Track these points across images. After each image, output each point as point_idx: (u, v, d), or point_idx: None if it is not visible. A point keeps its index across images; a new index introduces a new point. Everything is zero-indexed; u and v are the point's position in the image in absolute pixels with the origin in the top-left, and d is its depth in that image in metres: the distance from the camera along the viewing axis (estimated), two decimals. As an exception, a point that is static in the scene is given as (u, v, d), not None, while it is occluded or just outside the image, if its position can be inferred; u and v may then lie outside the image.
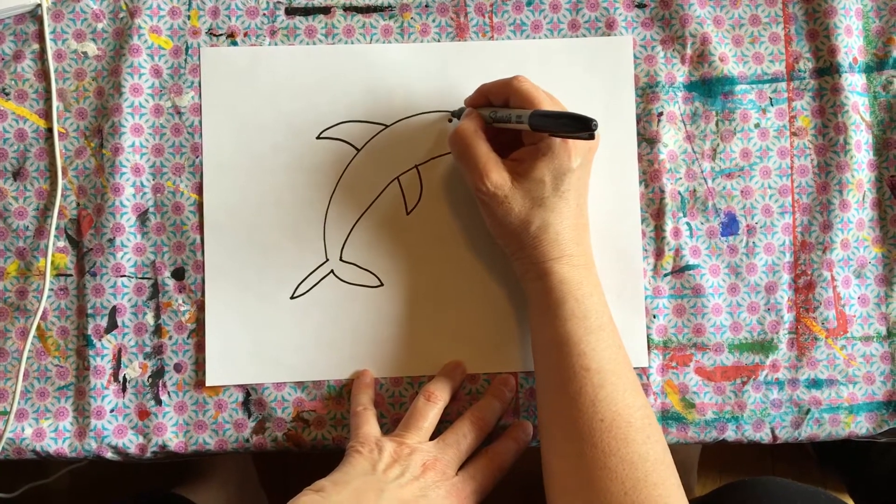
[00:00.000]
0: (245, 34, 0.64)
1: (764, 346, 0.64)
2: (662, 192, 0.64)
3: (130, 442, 0.62)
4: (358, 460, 0.56)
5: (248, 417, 0.62)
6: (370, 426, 0.60)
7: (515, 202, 0.57)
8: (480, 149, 0.57)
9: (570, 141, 0.56)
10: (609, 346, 0.56)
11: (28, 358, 0.61)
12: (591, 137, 0.53)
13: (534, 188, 0.56)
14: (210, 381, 0.62)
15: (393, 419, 0.63)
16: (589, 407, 0.54)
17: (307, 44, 0.64)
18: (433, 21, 0.64)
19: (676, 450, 0.75)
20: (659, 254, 0.64)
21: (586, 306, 0.56)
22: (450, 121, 0.64)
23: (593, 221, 0.62)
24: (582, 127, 0.53)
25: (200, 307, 0.62)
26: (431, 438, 0.60)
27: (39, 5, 0.62)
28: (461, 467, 0.59)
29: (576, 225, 0.58)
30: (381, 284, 0.63)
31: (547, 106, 0.56)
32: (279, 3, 0.64)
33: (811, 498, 0.62)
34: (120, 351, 0.62)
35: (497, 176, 0.56)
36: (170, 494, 0.86)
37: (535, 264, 0.58)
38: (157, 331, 0.62)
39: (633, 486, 0.52)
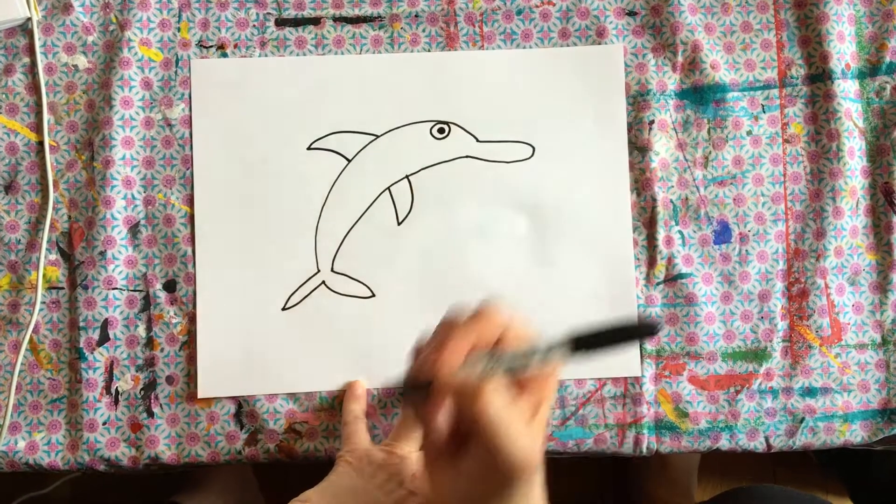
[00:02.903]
0: (235, 46, 0.64)
1: (757, 355, 0.63)
2: (654, 200, 0.63)
3: (123, 454, 0.62)
4: (347, 470, 0.56)
5: (241, 429, 0.62)
6: (361, 436, 0.60)
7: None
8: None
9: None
10: None
11: (21, 371, 0.62)
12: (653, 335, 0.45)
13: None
14: (202, 392, 0.62)
15: (385, 430, 0.63)
16: None
17: (297, 55, 0.64)
18: (423, 31, 0.64)
19: (677, 455, 0.74)
20: (651, 263, 0.63)
21: None
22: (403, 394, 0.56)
23: (585, 232, 0.62)
24: (635, 334, 0.41)
25: (192, 319, 0.62)
26: None
27: (30, 19, 0.62)
28: None
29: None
30: (373, 295, 0.63)
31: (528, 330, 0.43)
32: (269, 14, 0.64)
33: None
34: (112, 363, 0.62)
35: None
36: (171, 503, 0.86)
37: None
38: (149, 343, 0.62)
39: None
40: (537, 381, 0.42)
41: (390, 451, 0.58)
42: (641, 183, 0.64)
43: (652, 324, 0.40)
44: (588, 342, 0.40)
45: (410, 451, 0.58)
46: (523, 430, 0.40)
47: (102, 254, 0.62)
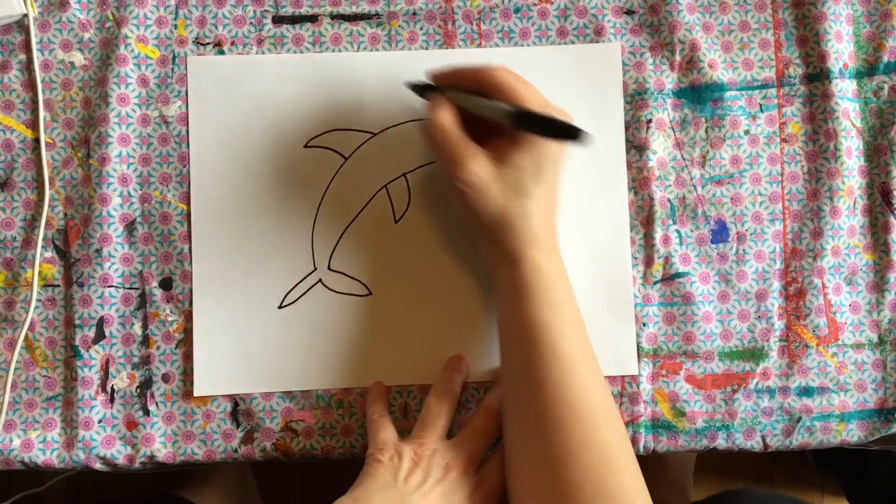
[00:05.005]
0: (232, 43, 0.64)
1: (754, 354, 0.63)
2: (652, 199, 0.63)
3: (119, 452, 0.62)
4: (378, 470, 0.56)
5: (237, 427, 0.62)
6: (387, 432, 0.59)
7: (495, 192, 0.55)
8: (457, 139, 0.56)
9: None
10: (576, 332, 0.56)
11: (16, 369, 0.61)
12: (579, 143, 0.52)
13: (513, 176, 0.55)
14: (198, 391, 0.62)
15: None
16: (553, 391, 0.53)
17: (294, 52, 0.64)
18: (421, 29, 0.64)
19: (673, 454, 0.75)
20: (648, 261, 0.63)
21: (556, 293, 0.56)
22: (413, 88, 0.62)
23: (582, 230, 0.62)
24: (568, 135, 0.52)
25: (188, 317, 0.62)
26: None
27: (26, 15, 0.62)
28: (484, 462, 0.59)
29: (550, 212, 0.58)
30: (370, 293, 0.63)
31: (532, 101, 0.55)
32: (266, 11, 0.64)
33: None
34: (108, 361, 0.62)
35: (476, 166, 0.55)
36: (174, 497, 0.86)
37: (508, 251, 0.57)
38: (145, 341, 0.62)
39: (595, 471, 0.52)
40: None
41: (420, 442, 0.57)
42: (639, 182, 0.64)
43: (583, 135, 0.51)
44: (529, 119, 0.53)
45: (439, 440, 0.58)
46: (455, 140, 0.55)
47: (98, 251, 0.62)
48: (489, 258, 0.59)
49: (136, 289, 0.62)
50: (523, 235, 0.56)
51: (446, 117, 0.56)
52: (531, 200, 0.56)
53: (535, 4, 0.64)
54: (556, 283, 0.56)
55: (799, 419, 0.63)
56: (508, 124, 0.53)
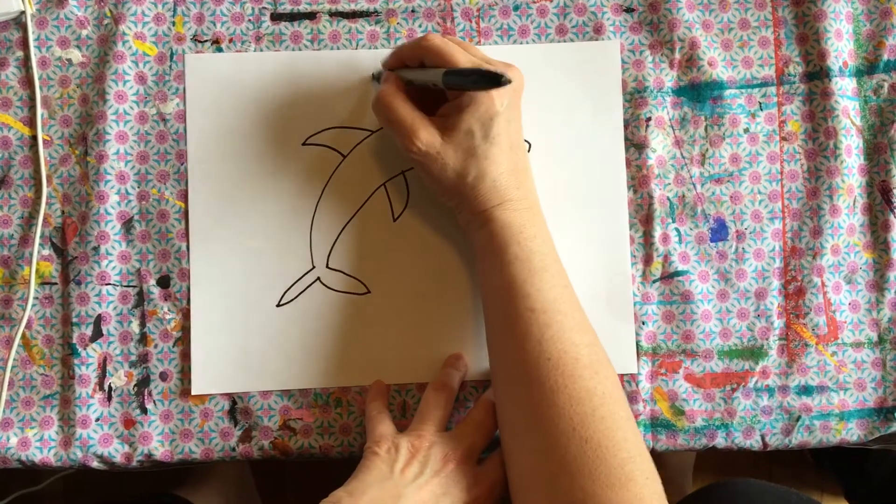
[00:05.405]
0: (230, 40, 0.63)
1: (754, 353, 0.63)
2: (651, 197, 0.63)
3: (116, 451, 0.61)
4: (375, 463, 0.56)
5: (235, 426, 0.62)
6: (385, 426, 0.59)
7: (448, 157, 0.56)
8: (404, 111, 0.57)
9: None
10: (554, 286, 0.56)
11: (13, 367, 0.61)
12: (502, 84, 0.52)
13: (464, 140, 0.56)
14: (196, 389, 0.62)
15: (380, 427, 0.62)
16: (535, 347, 0.54)
17: (293, 49, 0.64)
18: (419, 26, 0.64)
19: (672, 454, 0.74)
20: (648, 260, 0.63)
21: (530, 249, 0.56)
22: (374, 78, 0.63)
23: (581, 228, 0.62)
24: (492, 82, 0.52)
25: (186, 315, 0.62)
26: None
27: (23, 12, 0.62)
28: (485, 456, 0.59)
29: (514, 169, 0.57)
30: (368, 291, 0.63)
31: (461, 59, 0.55)
32: (264, 8, 0.64)
33: (782, 498, 0.62)
34: (105, 359, 0.62)
35: (425, 135, 0.56)
36: (172, 496, 0.86)
37: (476, 213, 0.57)
38: (143, 339, 0.62)
39: (581, 420, 0.52)
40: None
41: (418, 434, 0.57)
42: (638, 180, 0.63)
43: (499, 74, 0.51)
44: (455, 75, 0.53)
45: (437, 432, 0.58)
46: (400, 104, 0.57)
47: (96, 249, 0.61)
48: (462, 224, 0.60)
49: (134, 287, 0.62)
50: (487, 195, 0.56)
51: (390, 91, 0.57)
52: (487, 160, 0.56)
53: (534, 2, 0.64)
54: (528, 240, 0.56)
55: (798, 418, 0.63)
56: (443, 86, 0.54)
